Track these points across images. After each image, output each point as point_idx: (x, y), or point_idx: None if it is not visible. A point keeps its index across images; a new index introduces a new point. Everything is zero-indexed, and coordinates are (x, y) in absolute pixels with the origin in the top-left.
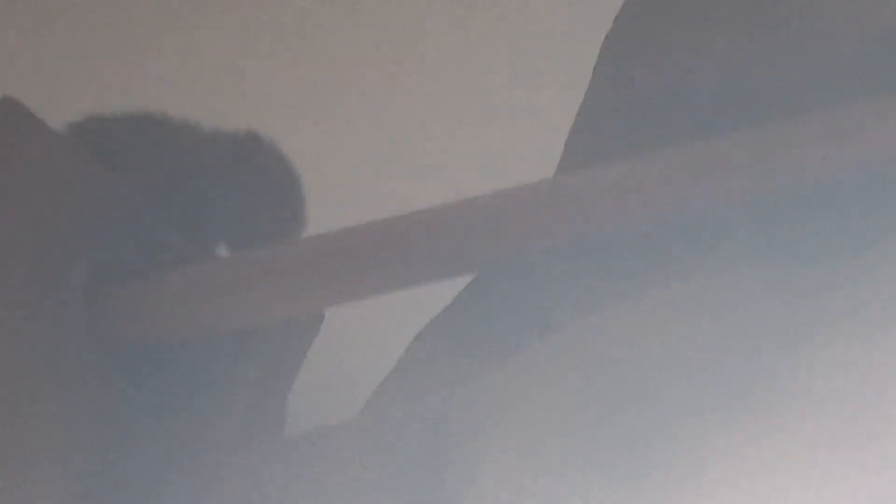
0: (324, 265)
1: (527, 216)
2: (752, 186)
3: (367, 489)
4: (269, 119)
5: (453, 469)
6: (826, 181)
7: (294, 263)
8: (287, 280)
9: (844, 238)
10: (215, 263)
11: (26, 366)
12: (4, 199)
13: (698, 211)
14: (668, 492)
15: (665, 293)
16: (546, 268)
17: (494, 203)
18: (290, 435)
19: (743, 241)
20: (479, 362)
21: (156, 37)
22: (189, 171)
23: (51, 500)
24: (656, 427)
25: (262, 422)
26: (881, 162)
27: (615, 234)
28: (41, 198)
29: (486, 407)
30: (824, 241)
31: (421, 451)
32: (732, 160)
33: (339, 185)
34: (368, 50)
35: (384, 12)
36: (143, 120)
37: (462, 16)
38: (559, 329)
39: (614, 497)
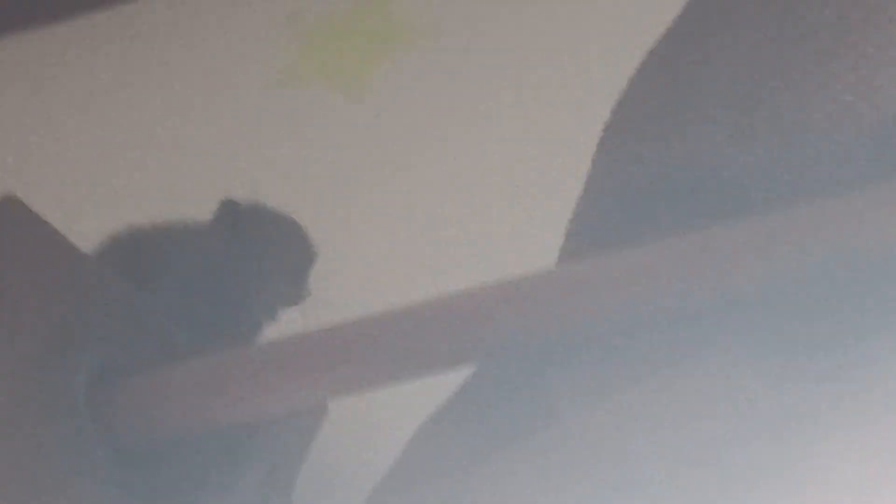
0: (327, 357)
1: (529, 306)
2: (756, 275)
3: None
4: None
5: None
6: (828, 270)
7: (298, 356)
8: (291, 371)
9: (848, 326)
10: (220, 357)
11: (28, 462)
12: (7, 300)
13: (702, 299)
14: None
15: (670, 382)
16: (549, 357)
17: (496, 293)
18: None
19: (747, 329)
20: (483, 453)
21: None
22: (191, 264)
23: None
24: None
25: None
26: (885, 250)
27: (618, 324)
28: (42, 295)
29: (489, 498)
30: (828, 329)
31: None
32: (736, 249)
33: (344, 275)
34: (375, 144)
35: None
36: (144, 226)
37: (461, 113)
38: (563, 418)
39: None
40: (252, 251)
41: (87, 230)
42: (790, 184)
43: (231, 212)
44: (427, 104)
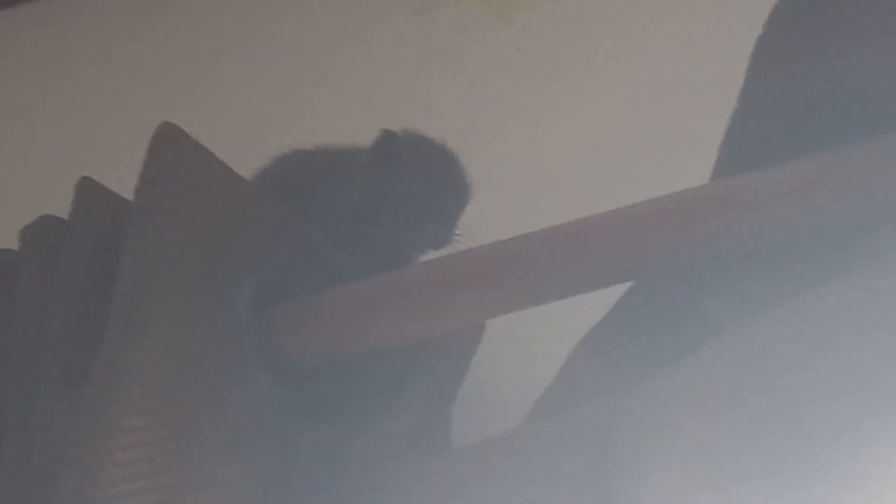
0: (484, 276)
1: (683, 223)
2: None
3: (529, 502)
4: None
5: (618, 480)
6: None
7: (455, 275)
8: (448, 292)
9: None
10: (378, 279)
11: (197, 382)
12: (170, 221)
13: (858, 213)
14: (835, 500)
15: (828, 295)
16: (706, 272)
17: (653, 210)
18: (454, 447)
19: None
20: (641, 370)
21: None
22: (349, 190)
23: None
24: (826, 433)
25: (427, 435)
26: None
27: (774, 239)
28: (206, 219)
29: (649, 416)
30: None
31: (584, 462)
32: (890, 166)
33: (498, 195)
34: (525, 66)
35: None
36: (303, 150)
37: (611, 34)
38: (721, 334)
39: None
40: (408, 186)
41: (242, 160)
42: None
43: (389, 143)
44: (578, 26)
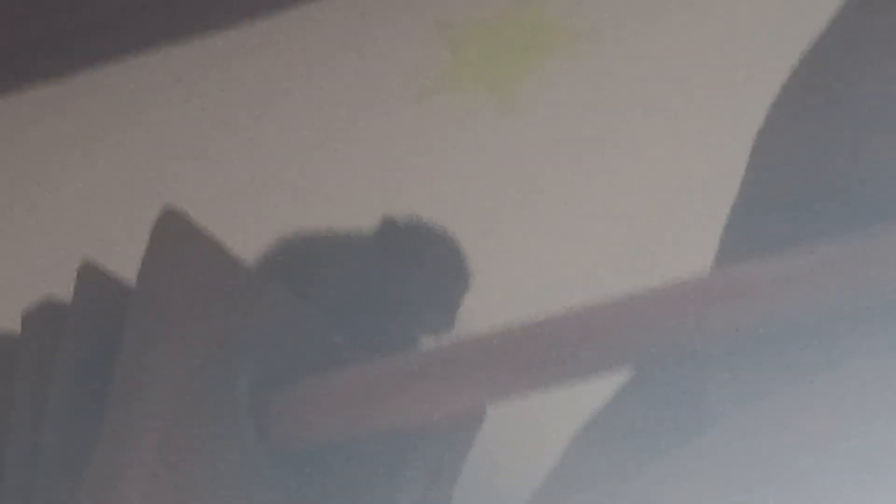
0: (485, 362)
1: (685, 311)
2: None
3: None
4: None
5: None
6: None
7: (456, 361)
8: (449, 377)
9: None
10: (378, 364)
11: (197, 468)
12: (170, 307)
13: (860, 302)
14: None
15: (832, 381)
16: (706, 362)
17: (655, 298)
18: None
19: None
20: (644, 457)
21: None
22: (350, 275)
23: None
24: None
25: None
26: None
27: (775, 327)
28: (207, 305)
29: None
30: None
31: None
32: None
33: (499, 281)
34: (527, 151)
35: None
36: (304, 234)
37: (612, 121)
38: (720, 422)
39: None
40: (409, 272)
41: (243, 243)
42: None
43: (391, 229)
44: (581, 110)
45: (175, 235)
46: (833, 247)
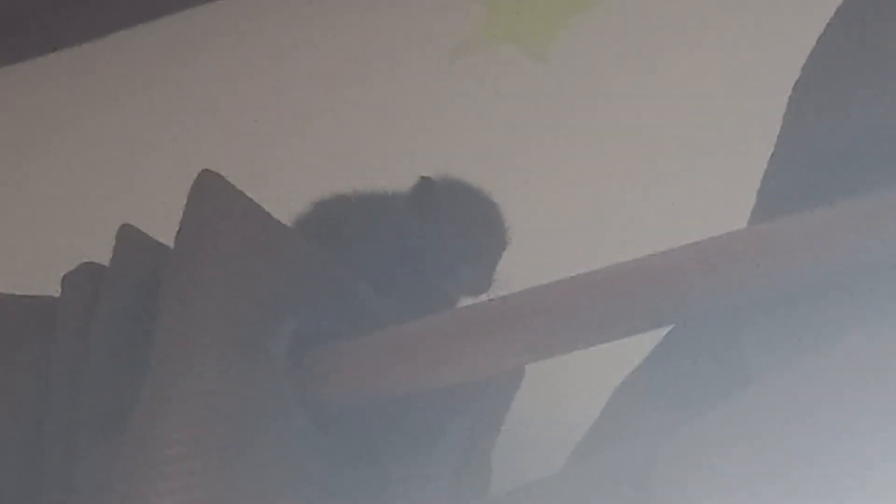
0: (523, 321)
1: (722, 268)
2: None
3: None
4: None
5: None
6: None
7: (493, 320)
8: (487, 337)
9: None
10: (416, 324)
11: (235, 421)
12: (209, 266)
13: (893, 258)
14: None
15: (864, 340)
16: (742, 318)
17: (691, 255)
18: (494, 492)
19: None
20: (679, 415)
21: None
22: (388, 236)
23: None
24: (858, 479)
25: (467, 479)
26: None
27: (812, 283)
28: (245, 264)
29: (687, 460)
30: None
31: (624, 503)
32: None
33: (536, 240)
34: (559, 104)
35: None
36: (343, 195)
37: (646, 73)
38: (759, 380)
39: None
40: (446, 231)
41: (279, 205)
42: None
43: (427, 189)
44: (614, 65)
45: (213, 197)
46: (870, 201)
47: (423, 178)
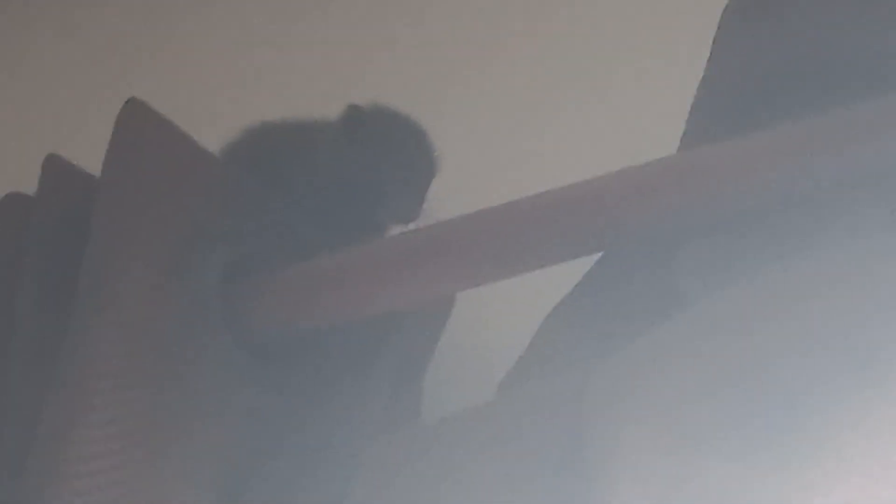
0: (453, 249)
1: (652, 193)
2: (877, 159)
3: (505, 471)
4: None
5: (590, 447)
6: None
7: (423, 248)
8: (417, 265)
9: None
10: (346, 252)
11: (164, 358)
12: (136, 196)
13: (827, 182)
14: (801, 464)
15: (794, 266)
16: (675, 244)
17: (621, 181)
18: (426, 421)
19: (867, 211)
20: (612, 340)
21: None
22: (317, 164)
23: (186, 491)
24: (790, 400)
25: (399, 408)
26: None
27: (743, 208)
28: (173, 193)
29: (620, 385)
30: None
31: (557, 431)
32: (858, 133)
33: (465, 167)
34: (490, 33)
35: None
36: (270, 123)
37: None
38: (690, 305)
39: (751, 472)
40: (375, 159)
41: (207, 134)
42: None
43: (355, 117)
44: None
45: (140, 125)
46: (798, 127)
47: (351, 105)
